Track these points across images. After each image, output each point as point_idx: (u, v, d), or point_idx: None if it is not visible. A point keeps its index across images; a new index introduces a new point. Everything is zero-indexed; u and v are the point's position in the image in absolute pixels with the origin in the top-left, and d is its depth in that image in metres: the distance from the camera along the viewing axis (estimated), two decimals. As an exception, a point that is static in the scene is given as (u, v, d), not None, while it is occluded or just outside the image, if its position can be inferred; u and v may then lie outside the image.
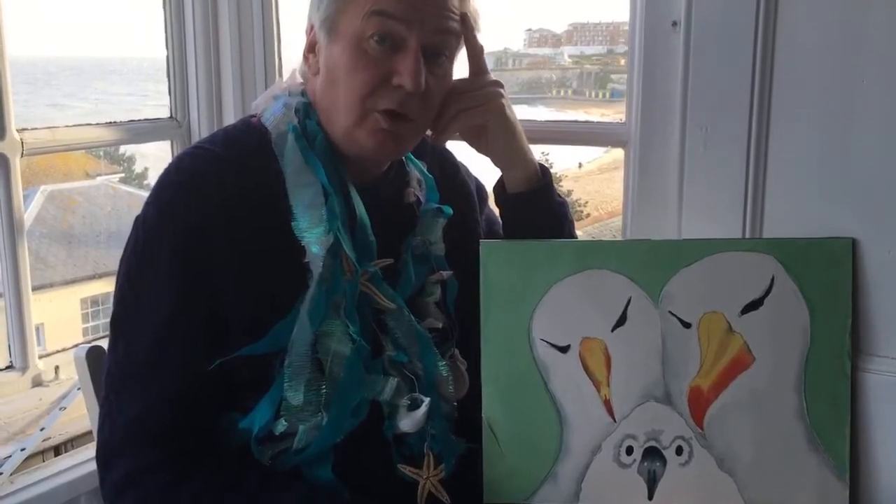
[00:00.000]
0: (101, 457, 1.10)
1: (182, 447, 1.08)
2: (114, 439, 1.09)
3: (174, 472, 1.07)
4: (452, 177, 1.35)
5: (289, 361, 1.08)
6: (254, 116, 1.21)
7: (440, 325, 1.22)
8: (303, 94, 1.20)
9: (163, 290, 1.08)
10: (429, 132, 1.26)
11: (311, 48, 1.17)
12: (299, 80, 1.23)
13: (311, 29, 1.17)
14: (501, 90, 1.26)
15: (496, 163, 1.30)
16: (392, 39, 1.09)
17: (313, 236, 1.10)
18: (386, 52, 1.10)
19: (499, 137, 1.26)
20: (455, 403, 1.22)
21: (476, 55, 1.24)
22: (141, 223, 1.12)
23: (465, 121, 1.23)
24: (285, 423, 1.09)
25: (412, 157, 1.28)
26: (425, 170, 1.29)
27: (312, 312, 1.09)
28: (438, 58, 1.14)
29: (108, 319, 1.14)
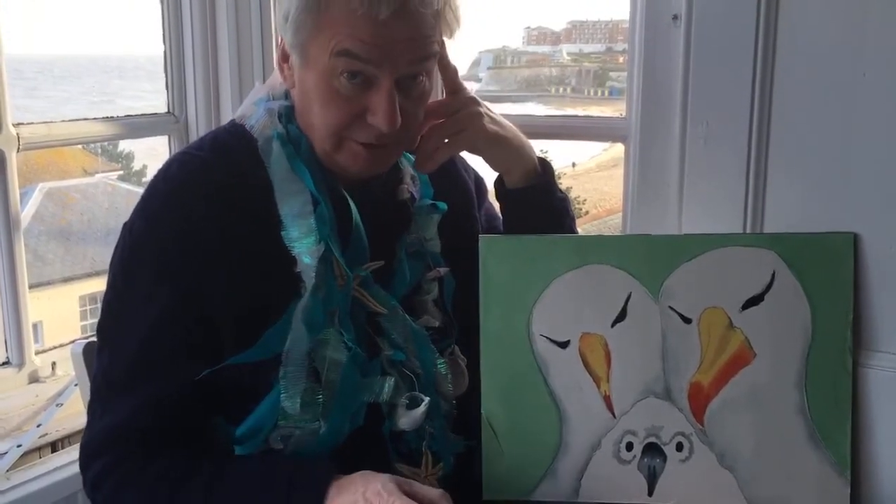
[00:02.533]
0: (81, 459, 1.11)
1: (161, 445, 1.07)
2: (93, 443, 1.09)
3: (145, 453, 1.07)
4: (448, 171, 1.34)
5: (284, 371, 1.07)
6: (240, 120, 1.19)
7: (437, 324, 1.20)
8: (286, 95, 1.17)
9: (148, 300, 1.07)
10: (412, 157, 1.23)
11: (285, 58, 1.13)
12: (279, 80, 1.21)
13: (281, 41, 1.12)
14: (479, 108, 1.22)
15: (491, 167, 1.29)
16: (363, 76, 1.05)
17: (304, 246, 1.09)
18: (358, 87, 1.06)
19: (486, 151, 1.24)
20: (454, 401, 1.21)
21: (450, 76, 1.22)
22: (128, 232, 1.11)
23: (447, 152, 1.21)
24: (280, 441, 1.08)
25: (406, 152, 1.27)
26: None
27: (309, 322, 1.07)
28: (416, 79, 1.09)
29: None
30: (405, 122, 1.09)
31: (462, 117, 1.20)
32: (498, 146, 1.24)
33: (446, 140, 1.21)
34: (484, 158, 1.26)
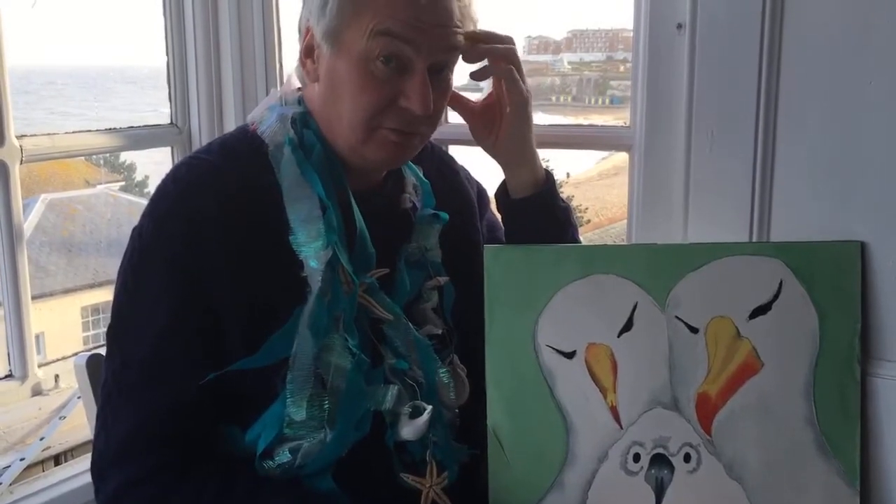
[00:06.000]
0: (95, 469, 1.10)
1: (176, 458, 1.07)
2: (108, 451, 1.08)
3: (167, 480, 1.06)
4: (451, 181, 1.34)
5: (291, 377, 1.07)
6: (252, 124, 1.20)
7: (439, 331, 1.21)
8: (299, 101, 1.18)
9: (158, 302, 1.07)
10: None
11: (308, 53, 1.15)
12: (295, 85, 1.22)
13: (307, 33, 1.14)
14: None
15: (504, 160, 1.28)
16: (398, 60, 1.08)
17: (311, 250, 1.09)
18: (392, 72, 1.09)
19: (516, 130, 1.24)
20: (456, 410, 1.20)
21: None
22: (137, 235, 1.11)
23: (508, 74, 1.22)
24: (289, 454, 1.08)
25: (409, 161, 1.27)
26: (422, 174, 1.28)
27: (314, 326, 1.07)
28: (441, 72, 1.13)
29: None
30: (432, 112, 1.11)
31: (525, 93, 1.24)
32: (525, 127, 1.25)
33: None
34: (502, 143, 1.26)
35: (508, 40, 1.23)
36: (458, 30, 1.11)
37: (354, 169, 1.17)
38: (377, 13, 1.06)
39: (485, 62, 1.23)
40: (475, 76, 1.26)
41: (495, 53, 1.21)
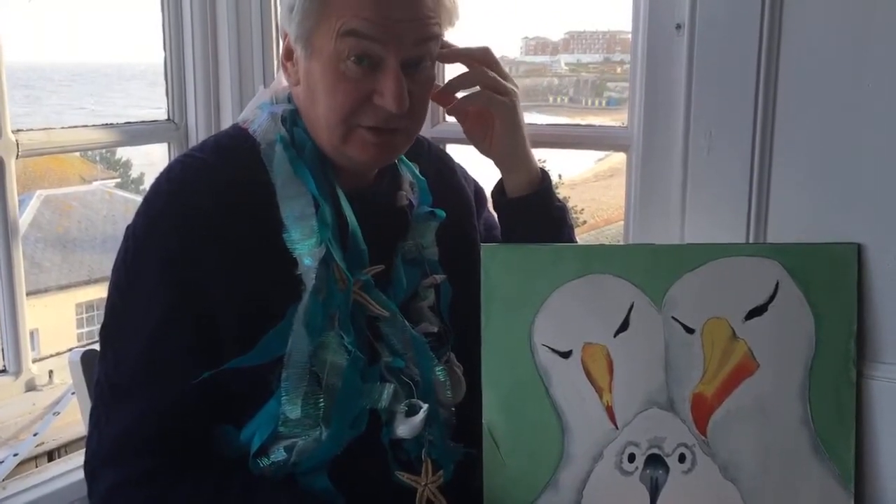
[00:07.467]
0: (88, 468, 1.09)
1: (171, 458, 1.07)
2: (101, 451, 1.07)
3: (161, 482, 1.06)
4: (448, 179, 1.34)
5: (286, 374, 1.07)
6: (243, 123, 1.20)
7: (435, 329, 1.20)
8: (289, 99, 1.18)
9: (152, 301, 1.07)
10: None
11: (287, 56, 1.14)
12: (284, 83, 1.21)
13: (285, 36, 1.14)
14: (517, 91, 1.26)
15: (499, 163, 1.29)
16: (370, 59, 1.07)
17: (305, 248, 1.09)
18: (365, 70, 1.07)
19: (505, 136, 1.25)
20: (452, 409, 1.20)
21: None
22: (131, 233, 1.11)
23: (476, 100, 1.23)
24: (284, 452, 1.08)
25: (405, 159, 1.27)
26: (418, 172, 1.28)
27: (309, 324, 1.07)
28: (420, 64, 1.11)
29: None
30: (412, 107, 1.10)
31: (509, 88, 1.24)
32: (516, 134, 1.26)
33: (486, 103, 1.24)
34: (495, 148, 1.27)
35: (482, 54, 1.24)
36: (431, 20, 1.09)
37: (344, 167, 1.17)
38: (341, 14, 1.05)
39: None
40: (452, 113, 1.28)
41: (467, 81, 1.23)
